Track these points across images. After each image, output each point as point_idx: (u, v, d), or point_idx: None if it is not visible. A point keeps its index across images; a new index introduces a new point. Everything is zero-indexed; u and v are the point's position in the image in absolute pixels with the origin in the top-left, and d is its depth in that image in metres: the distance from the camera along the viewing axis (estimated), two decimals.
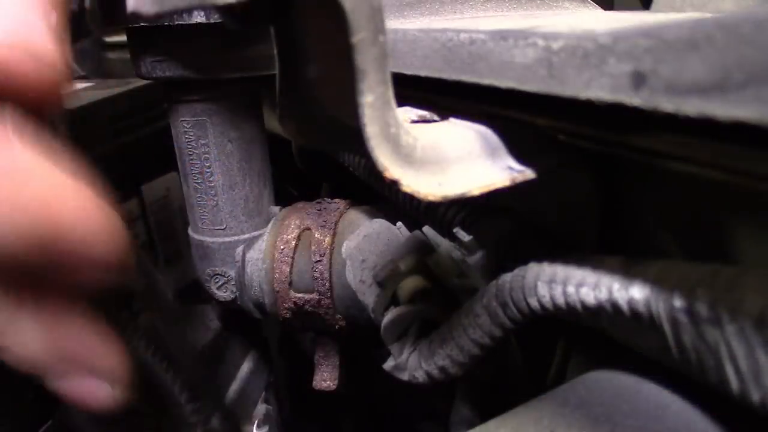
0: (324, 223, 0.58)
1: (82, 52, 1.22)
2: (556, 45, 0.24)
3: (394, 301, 0.44)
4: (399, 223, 0.50)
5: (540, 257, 0.34)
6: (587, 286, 0.30)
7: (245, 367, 0.74)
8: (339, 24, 0.25)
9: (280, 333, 0.83)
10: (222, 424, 0.63)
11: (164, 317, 0.63)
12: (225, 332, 0.72)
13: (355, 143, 0.29)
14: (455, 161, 0.29)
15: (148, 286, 0.63)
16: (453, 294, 0.43)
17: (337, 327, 0.59)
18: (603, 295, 0.29)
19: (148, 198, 0.84)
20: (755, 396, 0.23)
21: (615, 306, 0.28)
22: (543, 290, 0.32)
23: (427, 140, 0.29)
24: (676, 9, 0.40)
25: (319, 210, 0.60)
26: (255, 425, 0.71)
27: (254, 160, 0.59)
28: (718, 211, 0.33)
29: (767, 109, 0.16)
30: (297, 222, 0.59)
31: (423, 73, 0.33)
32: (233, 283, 0.61)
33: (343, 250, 0.51)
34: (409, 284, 0.43)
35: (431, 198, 0.28)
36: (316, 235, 0.58)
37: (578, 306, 0.30)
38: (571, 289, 0.30)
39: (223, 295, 0.61)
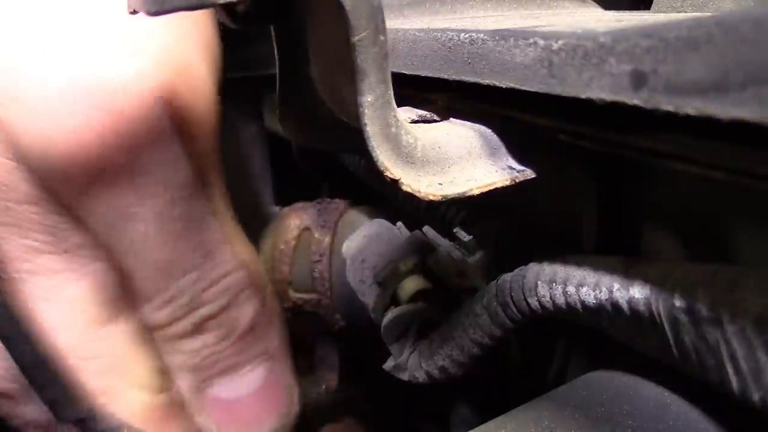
0: (324, 223, 0.58)
1: None
2: (556, 45, 0.24)
3: (394, 301, 0.44)
4: (399, 223, 0.50)
5: (540, 257, 0.34)
6: (587, 286, 0.30)
7: None
8: (339, 24, 0.25)
9: None
10: None
11: None
12: None
13: (355, 143, 0.29)
14: (455, 161, 0.29)
15: None
16: (453, 294, 0.43)
17: (336, 327, 0.59)
18: (603, 295, 0.29)
19: None
20: (755, 395, 0.23)
21: (615, 306, 0.28)
22: (543, 290, 0.32)
23: (427, 140, 0.29)
24: (676, 9, 0.40)
25: (319, 210, 0.60)
26: None
27: (254, 160, 0.59)
28: (718, 211, 0.33)
29: (767, 109, 0.16)
30: (297, 222, 0.59)
31: (423, 72, 0.33)
32: None
33: (343, 250, 0.51)
34: (409, 284, 0.43)
35: (431, 198, 0.28)
36: (316, 235, 0.58)
37: (578, 306, 0.30)
38: (571, 289, 0.30)
39: None
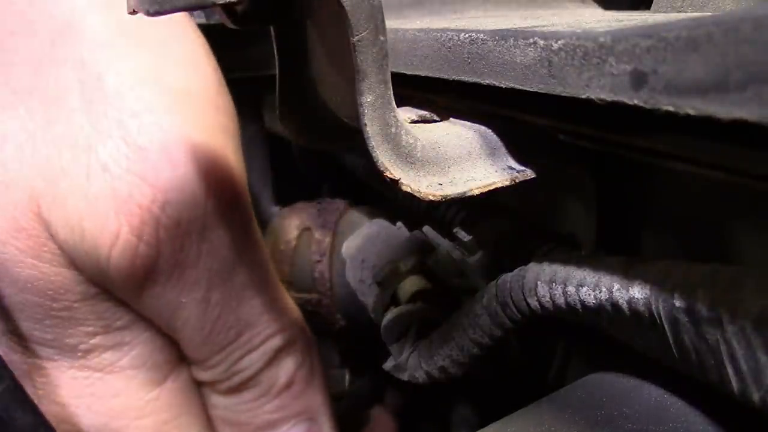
0: (324, 223, 0.58)
1: None
2: (556, 45, 0.24)
3: (394, 301, 0.44)
4: (399, 223, 0.50)
5: (540, 257, 0.34)
6: (587, 286, 0.30)
7: None
8: (339, 24, 0.25)
9: None
10: None
11: None
12: None
13: (355, 143, 0.29)
14: (455, 161, 0.29)
15: None
16: (453, 294, 0.43)
17: (337, 327, 0.59)
18: (603, 295, 0.29)
19: None
20: (755, 395, 0.23)
21: (615, 306, 0.28)
22: (543, 290, 0.32)
23: (427, 140, 0.29)
24: (676, 9, 0.40)
25: (320, 210, 0.60)
26: None
27: (254, 160, 0.59)
28: (718, 211, 0.33)
29: (767, 109, 0.16)
30: (297, 222, 0.59)
31: (423, 72, 0.33)
32: None
33: (343, 250, 0.51)
34: (409, 284, 0.43)
35: (431, 198, 0.28)
36: (316, 236, 0.58)
37: (578, 306, 0.30)
38: (571, 289, 0.30)
39: None
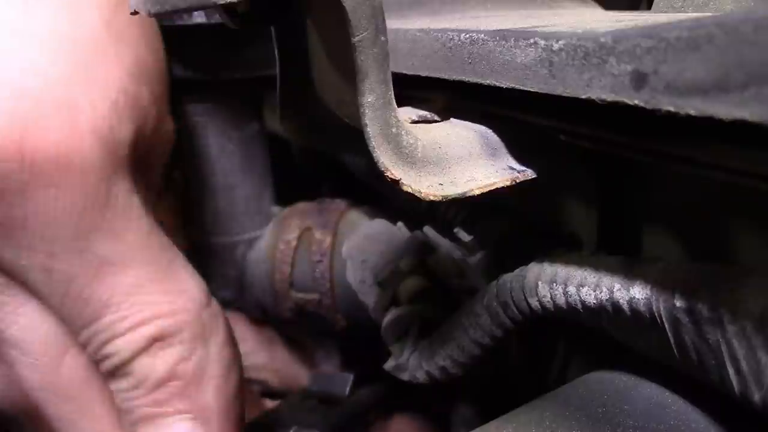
0: (325, 223, 0.58)
1: None
2: (556, 45, 0.24)
3: (394, 301, 0.44)
4: (399, 223, 0.50)
5: (540, 257, 0.34)
6: (588, 286, 0.30)
7: None
8: (340, 24, 0.25)
9: None
10: None
11: None
12: None
13: (355, 143, 0.29)
14: (456, 161, 0.29)
15: None
16: (453, 294, 0.43)
17: (338, 327, 0.59)
18: (604, 295, 0.29)
19: None
20: (756, 396, 0.23)
21: (616, 306, 0.28)
22: (543, 290, 0.32)
23: (428, 140, 0.29)
24: (676, 9, 0.40)
25: (320, 210, 0.60)
26: None
27: (254, 160, 0.59)
28: (718, 212, 0.33)
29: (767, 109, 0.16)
30: (298, 222, 0.59)
31: (424, 73, 0.33)
32: (234, 283, 0.61)
33: (343, 250, 0.51)
34: (410, 284, 0.43)
35: (432, 198, 0.28)
36: (316, 236, 0.58)
37: (579, 306, 0.30)
38: (571, 290, 0.30)
39: (224, 295, 0.61)
